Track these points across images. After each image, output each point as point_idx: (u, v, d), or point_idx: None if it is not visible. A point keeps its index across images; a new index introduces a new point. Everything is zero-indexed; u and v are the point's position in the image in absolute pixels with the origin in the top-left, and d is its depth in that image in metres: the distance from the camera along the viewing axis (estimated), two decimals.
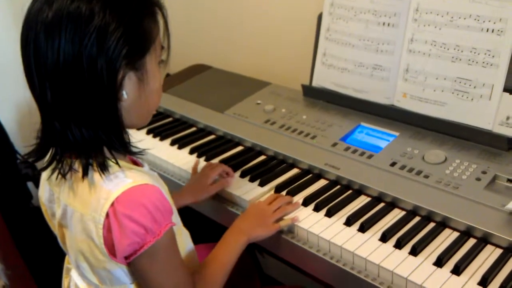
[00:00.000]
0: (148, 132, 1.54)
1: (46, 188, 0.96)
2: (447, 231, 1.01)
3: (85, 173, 0.84)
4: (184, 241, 1.00)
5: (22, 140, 2.06)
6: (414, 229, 1.02)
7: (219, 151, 1.39)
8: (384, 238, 1.00)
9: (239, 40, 2.00)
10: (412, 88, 1.30)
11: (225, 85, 1.72)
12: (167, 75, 1.93)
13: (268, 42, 1.88)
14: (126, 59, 0.79)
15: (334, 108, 1.45)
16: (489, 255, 0.94)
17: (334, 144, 1.29)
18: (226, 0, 1.98)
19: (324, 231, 1.04)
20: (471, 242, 0.98)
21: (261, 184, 1.22)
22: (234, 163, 1.30)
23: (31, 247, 1.77)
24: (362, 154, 1.23)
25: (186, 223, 1.03)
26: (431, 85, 1.26)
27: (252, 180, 1.24)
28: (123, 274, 0.88)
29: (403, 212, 1.08)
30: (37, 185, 1.86)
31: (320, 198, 1.14)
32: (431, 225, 1.03)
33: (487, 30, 1.16)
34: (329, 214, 1.09)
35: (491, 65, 1.16)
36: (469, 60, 1.19)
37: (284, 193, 1.17)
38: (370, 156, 1.22)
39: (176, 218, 0.95)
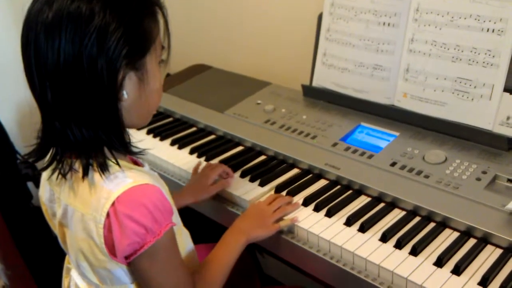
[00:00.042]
0: (148, 132, 1.54)
1: (47, 188, 0.96)
2: (447, 231, 1.01)
3: (85, 173, 0.84)
4: (184, 241, 1.00)
5: (23, 140, 2.06)
6: (414, 229, 1.01)
7: (219, 151, 1.39)
8: (384, 238, 1.00)
9: (239, 40, 2.00)
10: (412, 88, 1.30)
11: (225, 85, 1.72)
12: (167, 75, 1.93)
13: (268, 42, 1.88)
14: (126, 59, 0.79)
15: (334, 108, 1.45)
16: (489, 255, 0.94)
17: (334, 144, 1.29)
18: (226, 0, 1.98)
19: (324, 231, 1.04)
20: (471, 242, 0.98)
21: (261, 184, 1.22)
22: (234, 163, 1.30)
23: (31, 247, 1.77)
24: (362, 154, 1.23)
25: (186, 223, 1.03)
26: (432, 85, 1.26)
27: (252, 180, 1.24)
28: (123, 273, 0.88)
29: (403, 212, 1.08)
30: (37, 185, 1.86)
31: (320, 198, 1.14)
32: (431, 225, 1.03)
33: (488, 30, 1.16)
34: (329, 214, 1.08)
35: (491, 65, 1.16)
36: (470, 60, 1.19)
37: (284, 193, 1.17)
38: (370, 156, 1.22)
39: (176, 218, 0.95)
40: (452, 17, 1.21)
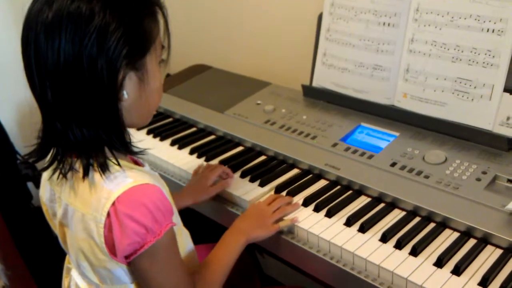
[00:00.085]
0: (148, 133, 1.54)
1: (47, 188, 0.96)
2: (447, 231, 1.01)
3: (85, 173, 0.84)
4: (184, 241, 1.00)
5: (23, 140, 2.06)
6: (414, 230, 1.01)
7: (219, 151, 1.39)
8: (384, 238, 1.00)
9: (239, 40, 2.00)
10: (412, 88, 1.30)
11: (225, 85, 1.72)
12: (167, 75, 1.93)
13: (268, 42, 1.88)
14: (126, 59, 0.79)
15: (334, 108, 1.45)
16: (489, 255, 0.94)
17: (334, 145, 1.29)
18: (226, 0, 1.98)
19: (324, 231, 1.04)
20: (471, 242, 0.98)
21: (261, 185, 1.22)
22: (234, 163, 1.30)
23: (31, 248, 1.77)
24: (362, 154, 1.23)
25: (186, 224, 1.03)
26: (432, 85, 1.26)
27: (252, 180, 1.23)
28: (124, 273, 0.88)
29: (403, 213, 1.08)
30: (37, 185, 1.86)
31: (320, 199, 1.13)
32: (431, 225, 1.03)
33: (488, 30, 1.16)
34: (329, 214, 1.08)
35: (491, 65, 1.16)
36: (470, 60, 1.19)
37: (284, 193, 1.17)
38: (370, 157, 1.22)
39: (176, 218, 0.96)
40: (452, 17, 1.21)
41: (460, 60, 1.21)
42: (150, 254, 0.84)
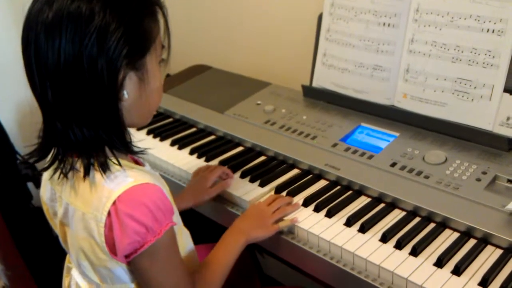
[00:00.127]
0: (148, 133, 1.54)
1: (48, 188, 0.96)
2: (447, 231, 1.01)
3: (86, 173, 0.84)
4: (185, 241, 1.00)
5: (23, 140, 2.06)
6: (414, 230, 1.01)
7: (219, 151, 1.39)
8: (384, 238, 1.00)
9: (239, 41, 2.01)
10: (412, 88, 1.30)
11: (225, 85, 1.72)
12: (167, 75, 1.93)
13: (268, 42, 1.88)
14: (126, 59, 0.80)
15: (334, 109, 1.45)
16: (490, 255, 0.94)
17: (334, 145, 1.29)
18: (226, 0, 1.98)
19: (325, 231, 1.04)
20: (472, 242, 0.98)
21: (262, 185, 1.22)
22: (234, 163, 1.30)
23: (31, 248, 1.77)
24: (362, 154, 1.23)
25: (187, 223, 1.03)
26: (432, 85, 1.26)
27: (252, 180, 1.24)
28: (124, 273, 0.88)
29: (404, 213, 1.08)
30: (37, 185, 1.86)
31: (321, 199, 1.13)
32: (432, 225, 1.03)
33: (488, 31, 1.16)
34: (329, 214, 1.09)
35: (491, 65, 1.16)
36: (470, 60, 1.19)
37: (284, 193, 1.17)
38: (370, 157, 1.22)
39: (177, 218, 0.95)
40: (452, 18, 1.21)
41: (460, 60, 1.21)
42: (150, 253, 0.84)
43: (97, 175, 0.84)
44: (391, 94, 1.34)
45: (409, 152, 1.21)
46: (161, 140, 1.49)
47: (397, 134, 1.28)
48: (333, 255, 1.01)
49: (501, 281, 0.87)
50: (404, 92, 1.31)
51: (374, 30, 1.36)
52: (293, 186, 1.19)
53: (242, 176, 1.26)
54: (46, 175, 0.96)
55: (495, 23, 1.15)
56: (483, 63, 1.17)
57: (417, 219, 1.05)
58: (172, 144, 1.46)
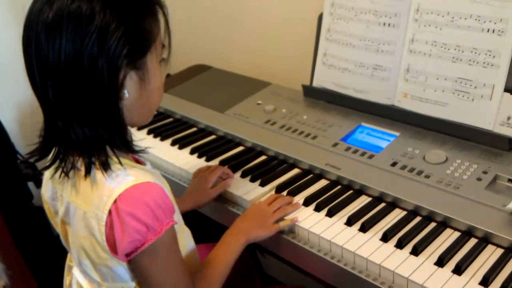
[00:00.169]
0: (148, 132, 1.54)
1: (49, 186, 0.97)
2: (448, 231, 1.01)
3: (87, 172, 0.84)
4: (186, 240, 1.00)
5: (23, 140, 2.06)
6: (415, 229, 1.02)
7: (219, 151, 1.39)
8: (385, 238, 1.00)
9: (240, 40, 2.01)
10: (412, 88, 1.30)
11: (225, 85, 1.72)
12: (168, 75, 1.93)
13: (269, 42, 1.88)
14: (127, 58, 0.80)
15: (335, 108, 1.45)
16: (490, 255, 0.94)
17: (335, 144, 1.29)
18: (227, 0, 1.98)
19: (325, 231, 1.04)
20: (472, 242, 0.98)
21: (262, 184, 1.22)
22: (234, 163, 1.30)
23: (31, 247, 1.77)
24: (363, 154, 1.24)
25: (188, 223, 1.03)
26: (432, 85, 1.26)
27: (253, 180, 1.24)
28: (125, 271, 0.88)
29: (404, 212, 1.08)
30: (37, 185, 1.86)
31: (321, 198, 1.14)
32: (432, 225, 1.03)
33: (488, 31, 1.16)
34: (330, 214, 1.09)
35: (491, 65, 1.16)
36: (470, 60, 1.19)
37: (285, 193, 1.17)
38: (371, 156, 1.22)
39: (178, 217, 0.95)
40: (453, 18, 1.21)
41: (461, 60, 1.21)
42: (151, 252, 0.84)
43: (98, 174, 0.84)
44: (392, 93, 1.34)
45: (409, 152, 1.21)
46: (162, 139, 1.49)
47: (397, 133, 1.28)
48: (334, 254, 1.01)
49: (502, 280, 0.87)
50: (404, 92, 1.32)
51: (375, 30, 1.36)
52: (294, 186, 1.19)
53: (243, 175, 1.26)
54: (47, 174, 0.97)
55: (495, 23, 1.15)
56: (484, 63, 1.17)
57: (418, 219, 1.05)
58: (173, 143, 1.46)
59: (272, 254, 1.16)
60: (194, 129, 1.54)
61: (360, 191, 1.15)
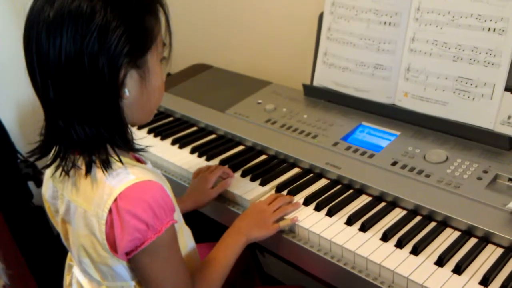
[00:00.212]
0: (149, 132, 1.54)
1: (50, 185, 0.97)
2: (448, 230, 1.01)
3: (88, 170, 0.84)
4: (186, 239, 1.00)
5: (24, 139, 2.06)
6: (415, 229, 1.01)
7: (220, 150, 1.39)
8: (385, 237, 1.00)
9: (240, 40, 2.00)
10: (413, 87, 1.30)
11: (226, 84, 1.72)
12: (168, 74, 1.93)
13: (269, 41, 1.88)
14: (127, 57, 0.80)
15: (335, 108, 1.44)
16: (490, 254, 0.94)
17: (335, 144, 1.29)
18: (227, 0, 1.98)
19: (325, 230, 1.04)
20: (472, 241, 0.97)
21: (262, 184, 1.22)
22: (235, 162, 1.30)
23: (32, 247, 1.77)
24: (363, 153, 1.23)
25: (188, 222, 1.03)
26: (433, 84, 1.26)
27: (253, 179, 1.23)
28: (125, 270, 0.88)
29: (404, 212, 1.08)
30: (37, 184, 1.86)
31: (321, 198, 1.13)
32: (432, 224, 1.03)
33: (489, 30, 1.16)
34: (330, 213, 1.08)
35: (492, 64, 1.16)
36: (471, 59, 1.19)
37: (285, 192, 1.17)
38: (371, 156, 1.22)
39: (178, 216, 0.95)
40: (453, 17, 1.21)
41: (461, 59, 1.21)
42: (151, 250, 0.84)
43: (98, 172, 0.84)
44: (392, 93, 1.34)
45: (410, 151, 1.21)
46: (162, 139, 1.49)
47: (398, 133, 1.28)
48: (334, 254, 1.01)
49: (502, 280, 0.87)
50: (405, 91, 1.31)
51: (375, 29, 1.36)
52: (294, 185, 1.19)
53: (243, 175, 1.26)
54: (48, 173, 0.97)
55: (496, 22, 1.15)
56: (484, 62, 1.17)
57: (418, 218, 1.05)
58: (173, 143, 1.46)
59: (272, 254, 1.16)
60: (194, 128, 1.54)
61: (360, 191, 1.15)
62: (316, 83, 1.51)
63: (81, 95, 0.79)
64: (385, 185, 1.12)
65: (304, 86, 1.53)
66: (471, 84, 1.19)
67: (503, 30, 1.14)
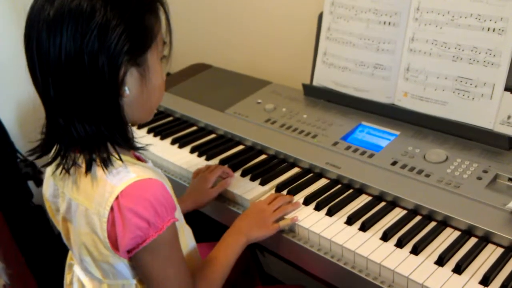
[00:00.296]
0: (148, 131, 1.54)
1: (51, 184, 0.97)
2: (448, 230, 1.01)
3: (88, 168, 0.84)
4: (187, 239, 1.00)
5: (23, 138, 2.06)
6: (415, 228, 1.01)
7: (219, 150, 1.39)
8: (385, 237, 1.00)
9: (240, 39, 2.00)
10: (413, 87, 1.30)
11: (225, 84, 1.72)
12: (168, 74, 1.93)
13: (269, 41, 1.88)
14: (127, 55, 0.80)
15: (335, 107, 1.45)
16: (491, 254, 0.94)
17: (335, 143, 1.29)
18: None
19: (325, 230, 1.04)
20: (472, 241, 0.97)
21: (262, 183, 1.22)
22: (234, 162, 1.30)
23: (31, 246, 1.77)
24: (363, 153, 1.23)
25: (188, 222, 1.03)
26: (432, 84, 1.26)
27: (253, 179, 1.23)
28: (126, 268, 0.89)
29: (404, 211, 1.08)
30: (37, 184, 1.86)
31: (321, 197, 1.13)
32: (432, 224, 1.03)
33: (488, 29, 1.16)
34: (330, 213, 1.08)
35: (492, 64, 1.16)
36: (470, 59, 1.19)
37: (285, 192, 1.17)
38: (371, 155, 1.22)
39: (179, 215, 0.96)
40: (453, 16, 1.21)
41: (461, 59, 1.21)
42: (152, 248, 0.84)
43: (99, 170, 0.84)
44: (392, 92, 1.34)
45: (409, 151, 1.21)
46: (162, 138, 1.49)
47: (397, 132, 1.28)
48: (334, 253, 1.01)
49: (502, 279, 0.87)
50: (404, 91, 1.31)
51: (375, 28, 1.36)
52: (294, 185, 1.19)
53: (243, 174, 1.26)
54: (48, 171, 0.97)
55: (495, 22, 1.15)
56: (484, 61, 1.17)
57: (418, 218, 1.05)
58: (173, 142, 1.46)
59: (272, 253, 1.16)
60: (194, 128, 1.54)
61: (360, 190, 1.15)
62: (315, 83, 1.51)
63: (82, 93, 0.79)
64: (385, 185, 1.12)
65: (304, 86, 1.53)
66: (470, 84, 1.20)
67: (502, 30, 1.14)
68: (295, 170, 1.27)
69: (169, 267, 0.88)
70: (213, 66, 1.90)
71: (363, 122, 1.35)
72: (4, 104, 2.07)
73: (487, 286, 0.87)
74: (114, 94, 0.81)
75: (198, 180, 1.23)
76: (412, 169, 1.15)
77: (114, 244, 0.84)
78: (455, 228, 1.01)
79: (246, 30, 1.96)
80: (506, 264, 0.91)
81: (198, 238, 1.07)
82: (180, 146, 1.43)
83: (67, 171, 0.86)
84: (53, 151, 0.88)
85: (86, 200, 0.85)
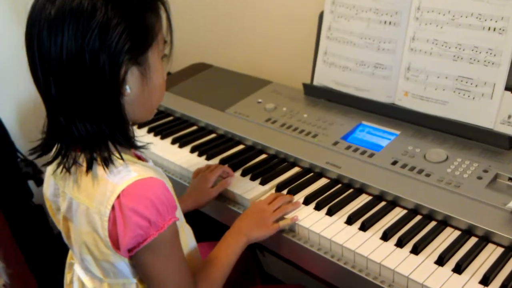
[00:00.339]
0: (149, 131, 1.54)
1: (51, 183, 0.97)
2: (448, 229, 1.01)
3: (89, 167, 0.84)
4: (187, 238, 1.00)
5: (24, 138, 2.06)
6: (415, 228, 1.01)
7: (220, 149, 1.38)
8: (385, 236, 1.00)
9: (240, 39, 2.00)
10: (413, 86, 1.30)
11: (226, 83, 1.72)
12: (168, 73, 1.93)
13: (269, 40, 1.88)
14: (128, 54, 0.80)
15: (335, 107, 1.44)
16: (491, 253, 0.94)
17: (335, 143, 1.29)
18: None
19: (325, 229, 1.04)
20: (473, 240, 0.97)
21: (262, 183, 1.22)
22: (235, 161, 1.30)
23: (32, 246, 1.77)
24: (363, 152, 1.23)
25: (189, 221, 1.03)
26: (433, 83, 1.26)
27: (253, 178, 1.23)
28: (126, 267, 0.89)
29: (404, 211, 1.08)
30: (37, 183, 1.87)
31: (321, 197, 1.13)
32: (433, 223, 1.03)
33: (489, 29, 1.16)
34: (330, 213, 1.08)
35: (492, 63, 1.16)
36: (471, 58, 1.19)
37: (285, 191, 1.17)
38: (371, 155, 1.22)
39: (179, 214, 0.96)
40: (453, 16, 1.21)
41: (461, 58, 1.21)
42: (153, 247, 0.84)
43: (99, 169, 0.84)
44: (392, 92, 1.34)
45: (410, 150, 1.21)
46: (162, 138, 1.49)
47: (398, 132, 1.28)
48: (334, 253, 1.01)
49: (502, 279, 0.87)
50: (405, 90, 1.31)
51: (375, 28, 1.36)
52: (294, 185, 1.19)
53: (243, 174, 1.26)
54: (49, 170, 0.97)
55: (496, 21, 1.15)
56: (484, 61, 1.17)
57: (418, 217, 1.05)
58: (173, 142, 1.46)
59: (272, 253, 1.16)
60: (195, 127, 1.54)
61: (360, 190, 1.15)
62: (316, 82, 1.51)
63: (82, 92, 0.79)
64: (385, 185, 1.12)
65: (304, 85, 1.53)
66: (471, 84, 1.19)
67: (503, 30, 1.14)
68: (295, 169, 1.27)
69: (170, 266, 0.88)
70: (214, 65, 1.90)
71: (363, 122, 1.35)
72: (5, 104, 2.07)
73: (487, 285, 0.87)
74: (115, 92, 0.81)
75: (199, 180, 1.23)
76: (412, 168, 1.15)
77: (115, 243, 0.84)
78: (455, 228, 1.01)
79: (247, 29, 1.96)
80: (506, 264, 0.91)
81: (199, 237, 1.07)
82: (181, 146, 1.43)
83: (68, 170, 0.86)
84: (53, 150, 0.88)
85: (87, 199, 0.85)
